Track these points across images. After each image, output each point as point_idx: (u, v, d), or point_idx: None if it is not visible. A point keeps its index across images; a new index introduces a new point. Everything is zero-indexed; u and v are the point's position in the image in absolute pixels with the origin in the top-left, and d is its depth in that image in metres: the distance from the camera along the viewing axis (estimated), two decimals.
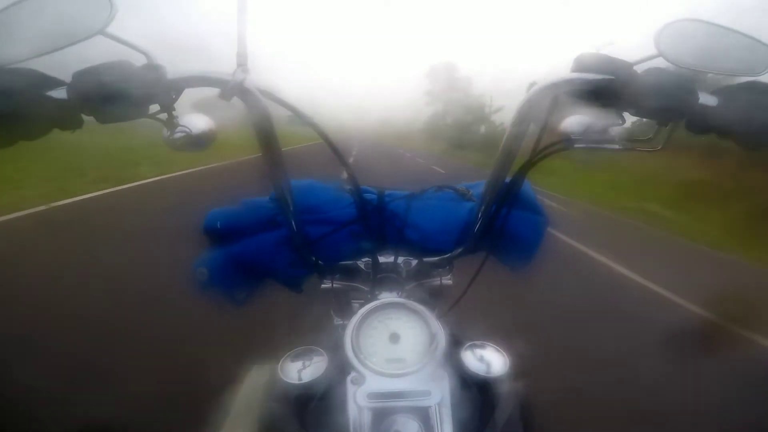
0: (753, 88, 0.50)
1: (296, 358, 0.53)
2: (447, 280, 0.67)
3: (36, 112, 0.44)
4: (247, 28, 0.49)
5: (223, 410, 1.64)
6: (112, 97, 0.43)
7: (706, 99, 0.49)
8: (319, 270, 0.66)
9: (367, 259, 0.64)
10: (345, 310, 0.65)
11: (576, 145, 0.55)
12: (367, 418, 0.47)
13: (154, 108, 0.48)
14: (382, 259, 0.64)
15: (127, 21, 0.47)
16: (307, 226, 0.65)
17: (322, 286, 0.67)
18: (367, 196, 0.67)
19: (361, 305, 0.56)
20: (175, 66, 0.48)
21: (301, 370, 0.51)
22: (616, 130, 0.53)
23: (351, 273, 0.65)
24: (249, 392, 0.55)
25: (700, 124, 0.50)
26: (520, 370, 0.53)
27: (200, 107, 0.54)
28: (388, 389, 0.48)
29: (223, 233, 0.66)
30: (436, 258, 0.66)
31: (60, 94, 0.44)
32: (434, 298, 0.67)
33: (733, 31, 0.53)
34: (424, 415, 0.47)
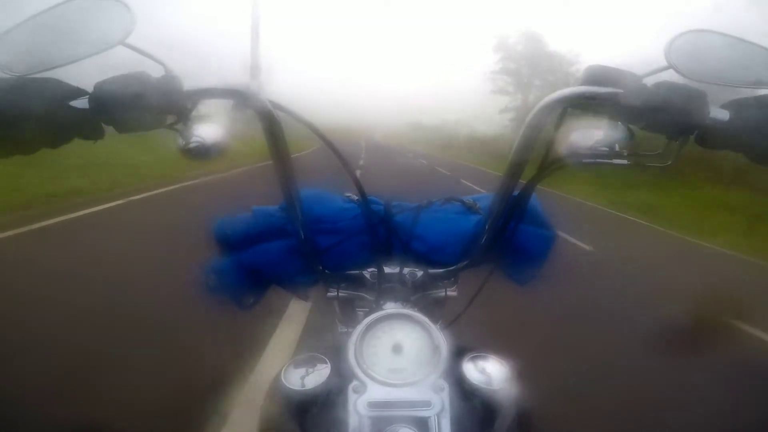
0: (765, 101, 0.49)
1: (299, 364, 0.54)
2: (452, 292, 0.68)
3: (59, 121, 0.46)
4: (259, 42, 0.52)
5: (225, 414, 1.70)
6: (132, 108, 0.45)
7: (717, 113, 0.49)
8: (325, 279, 0.68)
9: (373, 269, 0.65)
10: (350, 318, 0.66)
11: (584, 160, 0.55)
12: (366, 426, 0.47)
13: (171, 118, 0.50)
14: (388, 269, 0.65)
15: (143, 28, 0.50)
16: (316, 235, 0.66)
17: (328, 294, 0.68)
18: (375, 207, 0.69)
19: (366, 314, 0.57)
20: (189, 73, 0.51)
21: (303, 376, 0.52)
22: (624, 145, 0.53)
23: (357, 282, 0.67)
24: (251, 397, 0.56)
25: (711, 138, 0.50)
26: (521, 382, 0.54)
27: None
28: (388, 398, 0.49)
29: (233, 241, 0.68)
30: (442, 270, 0.67)
31: (82, 104, 0.46)
32: (439, 309, 0.68)
33: (745, 42, 0.52)
34: (423, 426, 0.47)
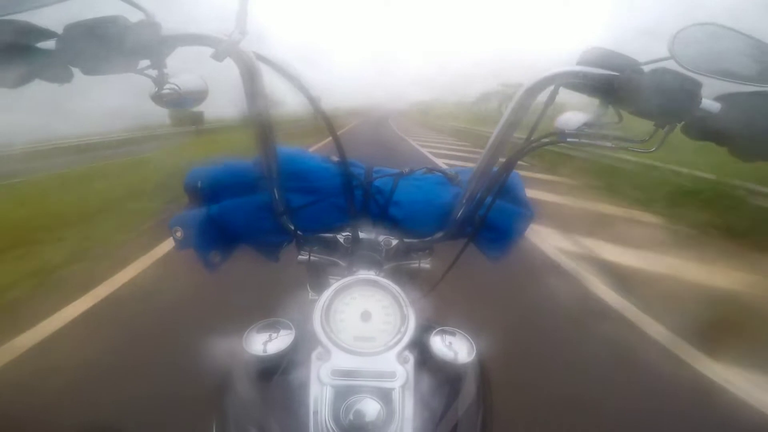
0: (758, 97, 0.51)
1: (262, 329, 0.55)
2: (425, 264, 0.70)
3: (22, 62, 0.47)
4: None
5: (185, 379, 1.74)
6: (101, 51, 0.46)
7: (708, 105, 0.51)
8: (297, 240, 0.69)
9: (347, 233, 0.67)
10: (321, 284, 0.68)
11: (569, 140, 0.57)
12: (329, 395, 0.48)
13: (143, 63, 0.50)
14: (362, 235, 0.66)
15: None
16: (290, 193, 0.67)
17: (299, 257, 0.70)
18: (355, 170, 0.70)
19: (337, 281, 0.58)
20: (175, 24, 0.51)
21: (266, 342, 0.54)
22: (611, 128, 0.55)
23: (330, 246, 0.68)
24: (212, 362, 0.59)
25: (697, 129, 0.52)
26: (485, 357, 0.57)
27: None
28: (353, 367, 0.50)
29: (203, 192, 0.69)
30: (417, 240, 0.69)
31: (49, 45, 0.47)
32: (411, 281, 0.70)
33: (750, 37, 0.54)
34: (386, 397, 0.49)
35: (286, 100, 0.64)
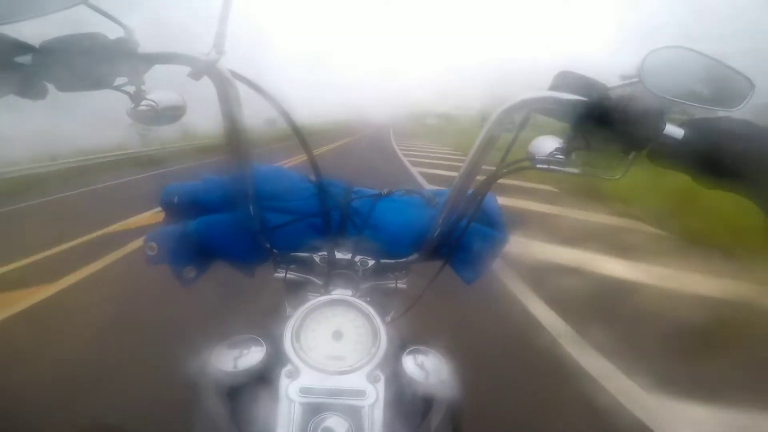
0: (719, 124, 0.52)
1: (233, 345, 0.56)
2: (402, 284, 0.71)
3: None
4: (230, 10, 0.53)
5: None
6: (76, 67, 0.47)
7: (672, 131, 0.52)
8: (273, 258, 0.70)
9: (323, 253, 0.68)
10: (298, 299, 0.68)
11: (538, 166, 0.58)
12: (297, 412, 0.49)
13: (120, 80, 0.51)
14: (339, 255, 0.67)
15: None
16: (266, 212, 0.68)
17: (276, 274, 0.70)
18: (333, 190, 0.71)
19: (314, 297, 0.60)
20: (155, 43, 0.53)
21: (236, 358, 0.54)
22: (579, 154, 0.57)
23: (306, 265, 0.69)
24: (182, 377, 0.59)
25: (661, 156, 0.53)
26: (457, 377, 0.57)
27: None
28: (322, 386, 0.51)
29: (179, 208, 0.70)
30: (394, 261, 0.70)
31: (25, 60, 0.47)
32: (388, 301, 0.71)
33: (719, 62, 0.55)
34: (356, 415, 0.50)
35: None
